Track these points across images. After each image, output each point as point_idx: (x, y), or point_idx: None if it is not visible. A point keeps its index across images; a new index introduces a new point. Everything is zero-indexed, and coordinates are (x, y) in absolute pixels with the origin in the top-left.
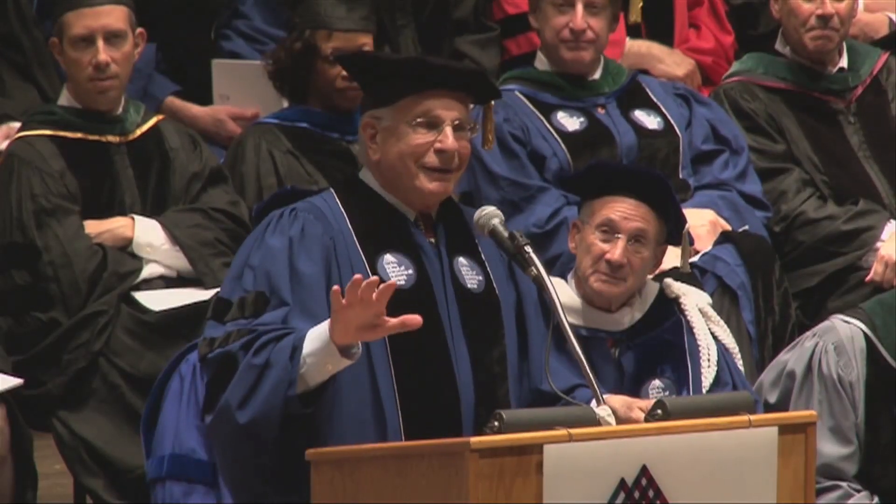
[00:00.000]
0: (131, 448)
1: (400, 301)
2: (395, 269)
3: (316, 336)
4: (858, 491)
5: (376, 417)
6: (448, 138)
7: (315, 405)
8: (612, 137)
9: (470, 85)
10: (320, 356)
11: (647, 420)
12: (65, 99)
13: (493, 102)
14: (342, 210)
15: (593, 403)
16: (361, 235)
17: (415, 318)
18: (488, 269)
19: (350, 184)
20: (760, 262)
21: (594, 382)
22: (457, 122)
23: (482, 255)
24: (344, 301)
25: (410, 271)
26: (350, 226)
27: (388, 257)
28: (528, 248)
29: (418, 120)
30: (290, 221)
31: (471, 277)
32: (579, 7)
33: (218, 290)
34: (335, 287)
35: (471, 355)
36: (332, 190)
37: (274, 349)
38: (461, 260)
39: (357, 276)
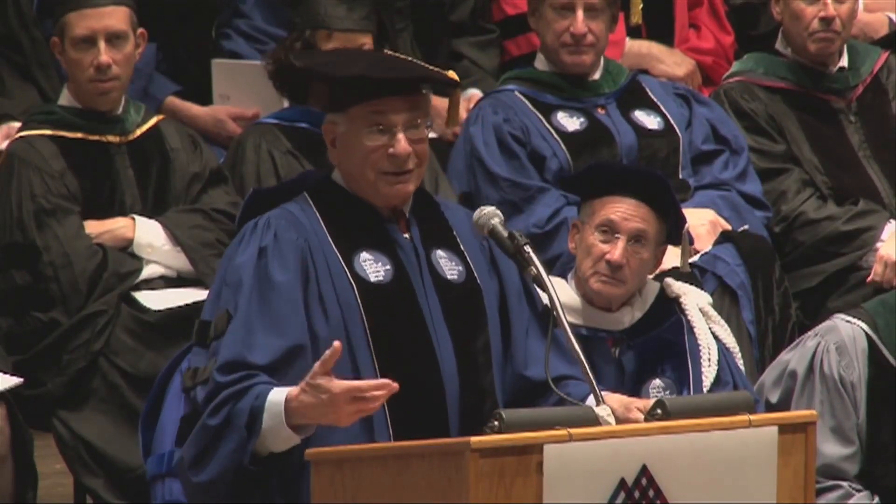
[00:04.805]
0: (131, 448)
1: (380, 296)
2: (372, 266)
3: (275, 412)
4: (859, 491)
5: None
6: (400, 143)
7: (278, 466)
8: (612, 138)
9: (420, 83)
10: (276, 430)
11: (647, 420)
12: (65, 99)
13: (458, 89)
14: (315, 212)
15: (593, 403)
16: (336, 235)
17: (392, 385)
18: (468, 259)
19: (322, 185)
20: (760, 262)
21: (594, 382)
22: (409, 122)
23: (461, 247)
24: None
25: (388, 267)
26: (324, 227)
27: (364, 255)
28: (528, 248)
29: (370, 128)
30: (262, 231)
31: (450, 269)
32: (579, 12)
33: None
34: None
35: (454, 345)
36: (305, 194)
37: (231, 410)
38: (439, 252)
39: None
